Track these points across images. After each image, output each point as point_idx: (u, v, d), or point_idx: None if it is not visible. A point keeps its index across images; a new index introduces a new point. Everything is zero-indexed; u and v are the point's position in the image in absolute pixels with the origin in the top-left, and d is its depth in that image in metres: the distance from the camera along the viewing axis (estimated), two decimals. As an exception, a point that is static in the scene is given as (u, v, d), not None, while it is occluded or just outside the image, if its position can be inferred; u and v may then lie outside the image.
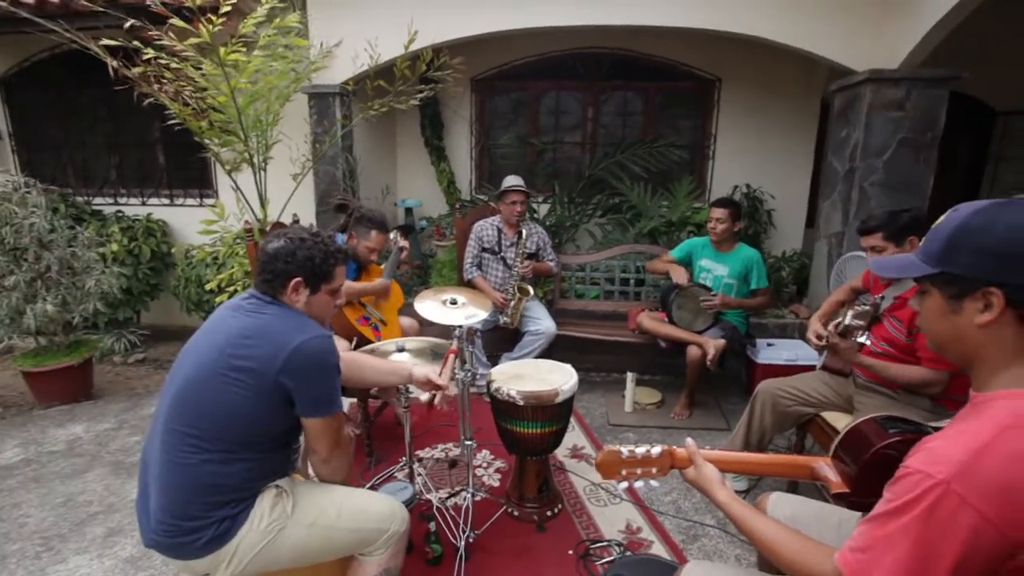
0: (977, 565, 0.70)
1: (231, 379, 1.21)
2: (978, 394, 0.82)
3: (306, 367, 1.24)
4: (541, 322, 3.26)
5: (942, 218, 0.85)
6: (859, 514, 1.21)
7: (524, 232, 3.28)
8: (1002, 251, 0.75)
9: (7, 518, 2.26)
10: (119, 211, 4.62)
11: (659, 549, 2.05)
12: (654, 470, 1.15)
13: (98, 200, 4.80)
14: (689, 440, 1.16)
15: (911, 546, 0.72)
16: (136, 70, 2.90)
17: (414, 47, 3.37)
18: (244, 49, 2.81)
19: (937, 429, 1.00)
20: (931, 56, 3.10)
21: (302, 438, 1.61)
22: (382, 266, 2.89)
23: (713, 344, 2.86)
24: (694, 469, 1.12)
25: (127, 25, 2.85)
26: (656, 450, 1.14)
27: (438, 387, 1.60)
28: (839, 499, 1.04)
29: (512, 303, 3.24)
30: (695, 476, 1.11)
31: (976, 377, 0.83)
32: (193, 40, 2.70)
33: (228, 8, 2.64)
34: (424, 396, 1.62)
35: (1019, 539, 0.68)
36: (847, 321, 1.87)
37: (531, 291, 3.28)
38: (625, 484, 1.16)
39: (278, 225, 2.77)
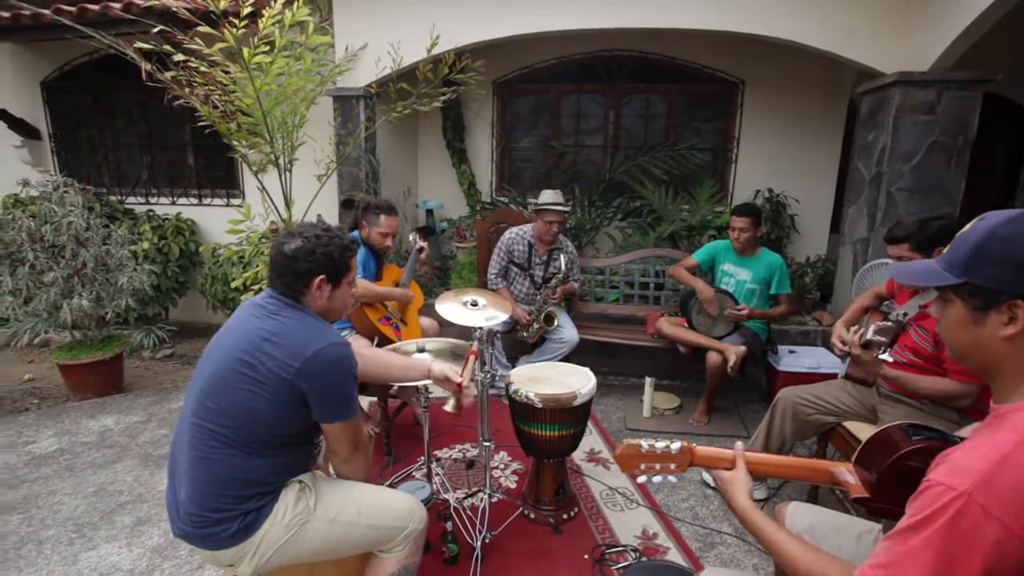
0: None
1: (250, 379, 1.25)
2: (999, 406, 0.81)
3: (323, 373, 1.27)
4: (564, 331, 3.25)
5: (968, 226, 0.83)
6: (878, 526, 1.20)
7: (563, 262, 3.15)
8: None
9: (43, 505, 2.35)
10: (150, 210, 4.76)
11: (675, 556, 2.04)
12: (673, 466, 1.16)
13: (130, 199, 4.96)
14: (739, 444, 1.17)
15: (933, 558, 0.71)
16: (168, 74, 3.00)
17: (436, 50, 3.41)
18: (268, 49, 2.89)
19: (963, 438, 0.99)
20: (963, 57, 3.02)
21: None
22: (402, 267, 2.93)
23: (734, 351, 2.84)
24: (729, 473, 1.12)
25: (156, 30, 2.95)
26: (676, 446, 1.15)
27: (456, 385, 1.60)
28: (858, 504, 1.04)
29: (535, 326, 3.21)
30: (730, 477, 1.11)
31: (997, 389, 0.83)
32: (220, 44, 2.78)
33: (249, 9, 2.71)
34: (450, 405, 1.61)
35: None
36: (869, 335, 1.83)
37: (556, 320, 3.22)
38: (644, 477, 1.17)
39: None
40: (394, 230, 2.73)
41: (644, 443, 1.16)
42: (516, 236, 3.37)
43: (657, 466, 1.16)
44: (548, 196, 3.23)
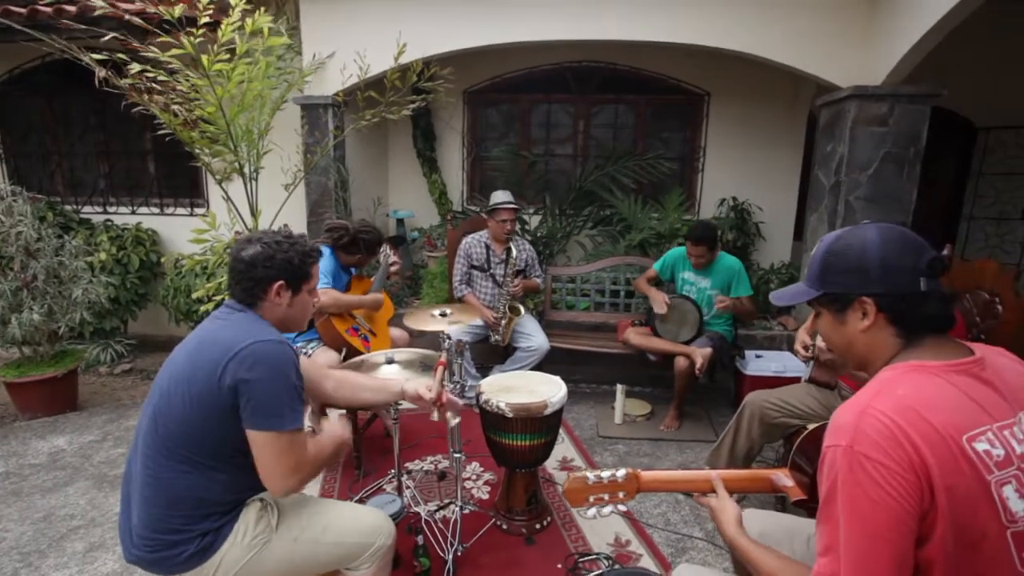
0: (904, 512, 0.75)
1: (187, 389, 1.20)
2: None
3: (252, 367, 1.17)
4: (534, 338, 3.26)
5: (814, 249, 0.98)
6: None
7: (514, 250, 3.25)
8: (860, 267, 0.90)
9: (-15, 533, 2.21)
10: (108, 220, 4.58)
11: (648, 562, 2.04)
12: (621, 494, 1.15)
13: (87, 209, 4.76)
14: (713, 474, 1.17)
15: (854, 518, 0.78)
16: (125, 81, 2.90)
17: (404, 59, 3.40)
18: (228, 56, 2.83)
19: None
20: (915, 72, 3.17)
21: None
22: (371, 278, 2.89)
23: (700, 353, 2.88)
24: (716, 499, 1.13)
25: (107, 37, 2.86)
26: (621, 473, 1.15)
27: (431, 401, 1.56)
28: (799, 506, 1.07)
29: (503, 322, 3.24)
30: (717, 505, 1.12)
31: (872, 374, 0.93)
32: (176, 52, 2.71)
33: (207, 19, 2.65)
34: (435, 416, 1.55)
35: (927, 478, 0.75)
36: None
37: (522, 310, 3.27)
38: (594, 511, 1.15)
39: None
40: (377, 255, 2.81)
41: (590, 475, 1.15)
42: (472, 240, 3.43)
43: (606, 496, 1.15)
44: (499, 196, 3.32)
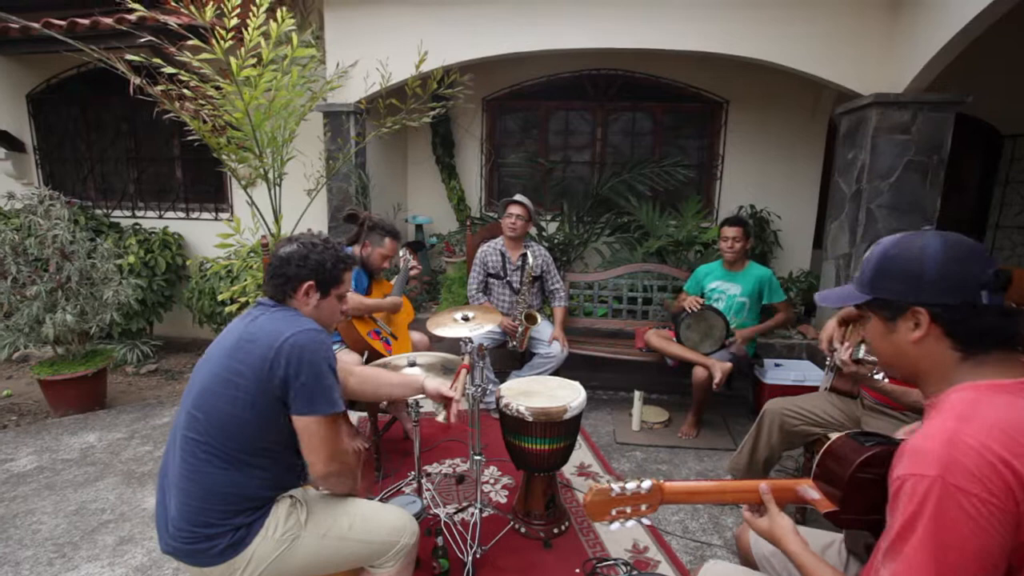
0: (997, 546, 0.72)
1: (233, 384, 1.24)
2: (931, 399, 0.89)
3: (294, 358, 1.23)
4: (553, 345, 3.27)
5: (868, 251, 0.94)
6: (839, 537, 1.23)
7: (530, 257, 3.27)
8: (917, 275, 0.86)
9: (21, 525, 2.29)
10: (136, 224, 4.72)
11: (666, 569, 2.04)
12: (644, 507, 1.10)
13: (116, 213, 4.91)
14: (763, 485, 1.08)
15: (935, 550, 0.74)
16: (158, 88, 3.00)
17: (425, 67, 3.46)
18: (255, 62, 2.91)
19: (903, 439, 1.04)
20: (938, 79, 3.14)
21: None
22: (392, 281, 2.94)
23: (720, 367, 2.87)
24: (767, 519, 1.06)
25: (144, 40, 2.96)
26: (646, 485, 1.09)
27: (449, 399, 1.61)
28: (829, 518, 1.06)
29: (520, 330, 3.25)
30: (767, 525, 1.05)
31: (923, 387, 0.91)
32: (206, 56, 2.80)
33: (235, 21, 2.73)
34: (440, 416, 1.62)
35: (1019, 506, 0.72)
36: (861, 354, 1.87)
37: (538, 319, 3.28)
38: (616, 525, 1.10)
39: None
40: (394, 253, 2.81)
41: (614, 487, 1.09)
42: (488, 248, 3.45)
43: (628, 510, 1.10)
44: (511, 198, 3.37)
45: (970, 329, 0.84)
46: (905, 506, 0.77)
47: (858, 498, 1.01)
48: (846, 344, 1.96)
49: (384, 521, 1.41)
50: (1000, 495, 0.72)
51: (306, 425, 1.26)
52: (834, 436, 2.09)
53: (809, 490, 1.10)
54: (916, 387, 0.92)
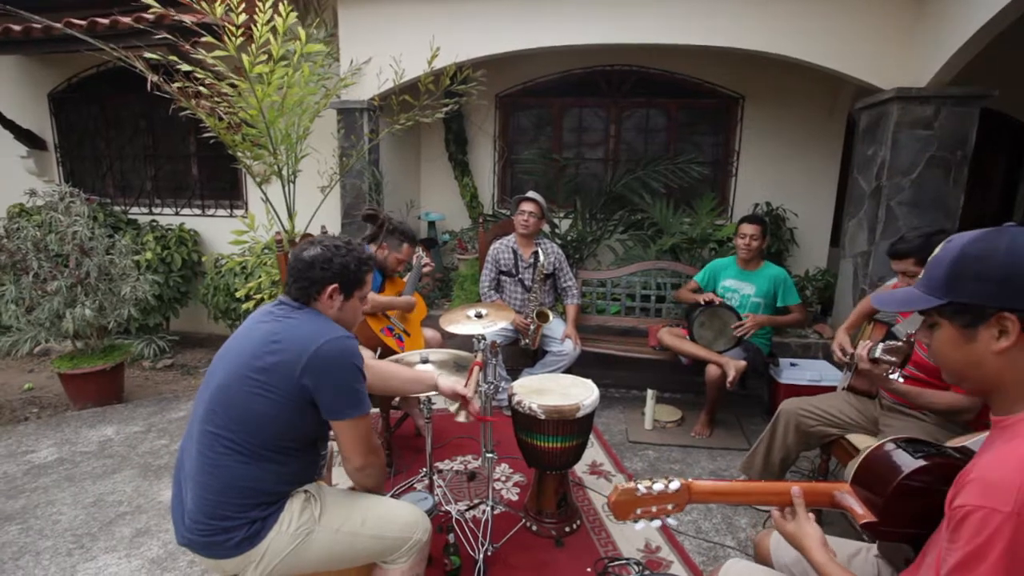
0: None
1: (258, 382, 1.26)
2: (1004, 418, 0.81)
3: (328, 367, 1.27)
4: (565, 343, 3.26)
5: (938, 249, 0.86)
6: (867, 546, 1.18)
7: (541, 254, 3.25)
8: (1006, 276, 0.76)
9: (41, 515, 2.34)
10: (153, 220, 4.78)
11: (678, 569, 2.02)
12: (670, 507, 1.07)
13: (134, 210, 4.99)
14: (795, 489, 1.04)
15: None
16: (175, 85, 3.04)
17: (438, 64, 3.46)
18: (266, 58, 2.94)
19: (961, 450, 0.98)
20: (961, 73, 3.06)
21: (331, 444, 1.65)
22: (405, 279, 2.95)
23: (734, 365, 2.84)
24: (794, 524, 1.02)
25: (159, 36, 3.01)
26: (675, 485, 1.06)
27: (463, 397, 1.62)
28: (866, 529, 1.00)
29: (532, 328, 3.24)
30: (794, 530, 1.01)
31: (998, 403, 0.82)
32: (220, 53, 2.82)
33: (243, 17, 2.75)
34: (461, 416, 1.65)
35: None
36: (877, 353, 1.83)
37: (550, 316, 3.26)
38: (641, 524, 1.08)
39: (307, 236, 2.87)
40: (409, 258, 2.84)
41: (640, 486, 1.06)
42: (500, 246, 3.43)
43: (654, 508, 1.07)
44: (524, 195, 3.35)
45: None
46: (971, 538, 0.71)
47: (901, 510, 0.96)
48: (865, 342, 1.93)
49: (397, 517, 1.42)
50: None
51: (342, 428, 1.32)
52: (852, 437, 2.07)
53: (847, 496, 1.04)
54: (986, 402, 0.84)
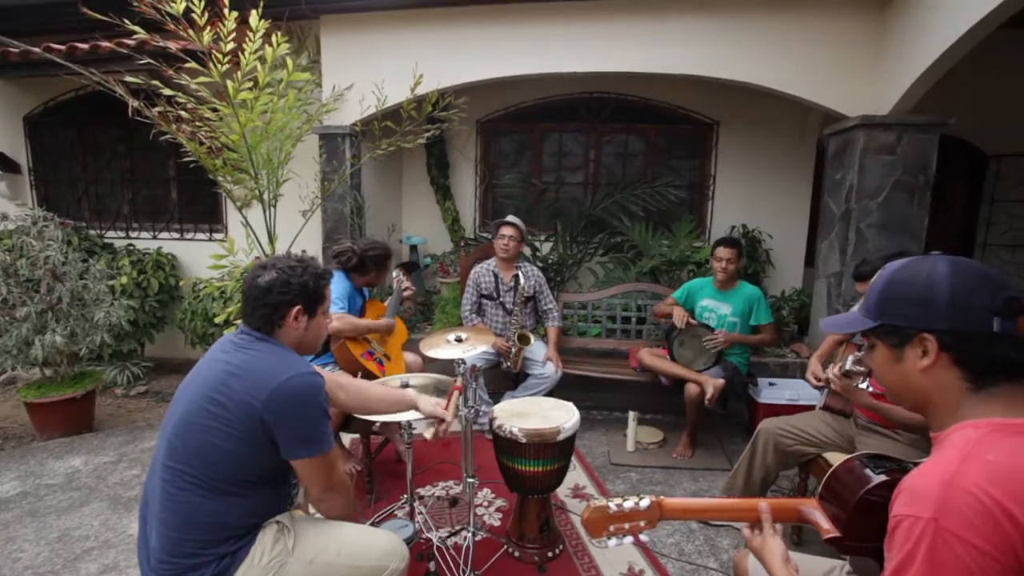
0: None
1: (216, 416, 1.22)
2: (939, 434, 0.85)
3: (290, 405, 1.23)
4: (547, 365, 3.26)
5: (875, 276, 0.92)
6: (841, 563, 1.20)
7: (522, 278, 3.26)
8: (926, 300, 0.82)
9: (1, 552, 2.23)
10: (130, 244, 4.71)
11: (662, 593, 2.00)
12: (642, 523, 1.09)
13: (110, 233, 4.90)
14: (763, 504, 1.06)
15: None
16: (155, 110, 3.03)
17: (420, 90, 3.51)
18: (251, 85, 2.95)
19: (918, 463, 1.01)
20: (923, 101, 3.22)
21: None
22: (385, 303, 2.94)
23: (712, 383, 2.87)
24: (759, 537, 1.05)
25: (142, 61, 3.01)
26: (645, 502, 1.09)
27: (441, 419, 1.61)
28: (831, 544, 1.03)
29: (513, 351, 3.24)
30: (760, 545, 1.04)
31: (932, 420, 0.87)
32: (204, 79, 2.83)
33: (231, 45, 2.77)
34: (428, 433, 1.63)
35: (1019, 560, 0.68)
36: (848, 366, 1.89)
37: (531, 339, 3.26)
38: (614, 541, 1.09)
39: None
40: (391, 271, 2.90)
41: (612, 504, 1.08)
42: (481, 269, 3.44)
43: (627, 526, 1.09)
44: (503, 219, 3.38)
45: (980, 358, 0.80)
46: (901, 546, 0.74)
47: (864, 525, 0.99)
48: (836, 363, 1.99)
49: (373, 545, 1.39)
50: (999, 548, 0.68)
51: (300, 465, 1.29)
52: (829, 456, 2.11)
53: (815, 512, 1.07)
54: (923, 419, 0.89)
